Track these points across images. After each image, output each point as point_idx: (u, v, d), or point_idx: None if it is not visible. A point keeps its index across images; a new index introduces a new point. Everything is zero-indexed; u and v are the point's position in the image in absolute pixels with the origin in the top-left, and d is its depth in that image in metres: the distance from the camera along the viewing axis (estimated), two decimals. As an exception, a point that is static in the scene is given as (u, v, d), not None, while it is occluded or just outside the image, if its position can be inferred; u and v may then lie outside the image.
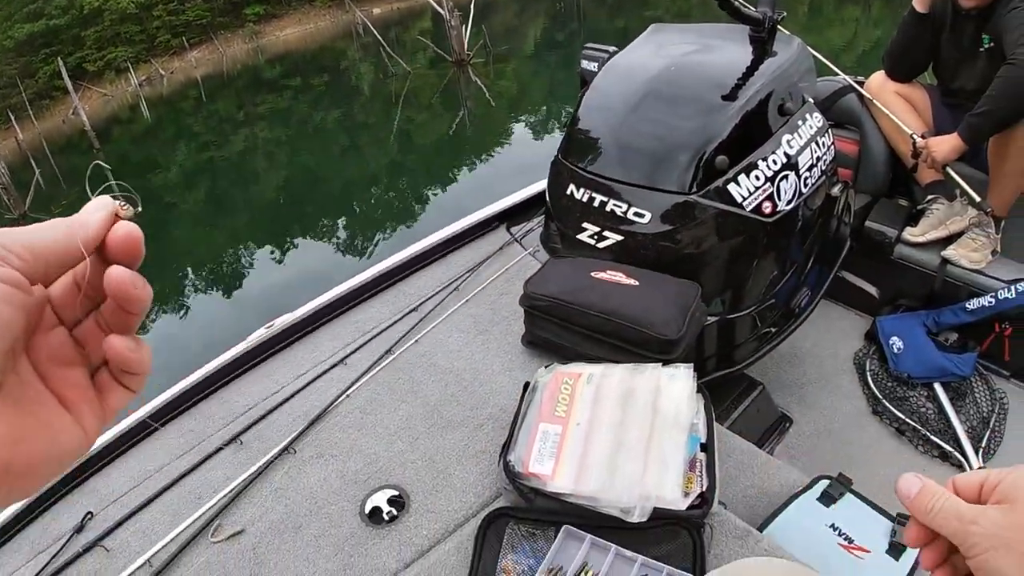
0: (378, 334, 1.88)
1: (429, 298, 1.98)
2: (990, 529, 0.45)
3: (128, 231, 0.35)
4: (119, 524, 1.42)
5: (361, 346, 1.84)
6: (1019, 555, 0.43)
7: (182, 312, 7.45)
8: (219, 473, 1.52)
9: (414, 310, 1.94)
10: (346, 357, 1.81)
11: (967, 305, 2.02)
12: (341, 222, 8.82)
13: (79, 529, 1.43)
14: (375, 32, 15.54)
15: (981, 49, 1.94)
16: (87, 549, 1.37)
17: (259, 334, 1.94)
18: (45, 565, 1.35)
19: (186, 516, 1.41)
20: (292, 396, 1.71)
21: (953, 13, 1.98)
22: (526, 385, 1.46)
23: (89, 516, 1.46)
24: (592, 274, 1.57)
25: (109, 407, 0.36)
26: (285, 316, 1.99)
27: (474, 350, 1.78)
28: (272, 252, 8.39)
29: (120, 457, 1.64)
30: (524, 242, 2.21)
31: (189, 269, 8.33)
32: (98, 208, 0.35)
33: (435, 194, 8.96)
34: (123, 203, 0.36)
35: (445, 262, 2.18)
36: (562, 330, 1.58)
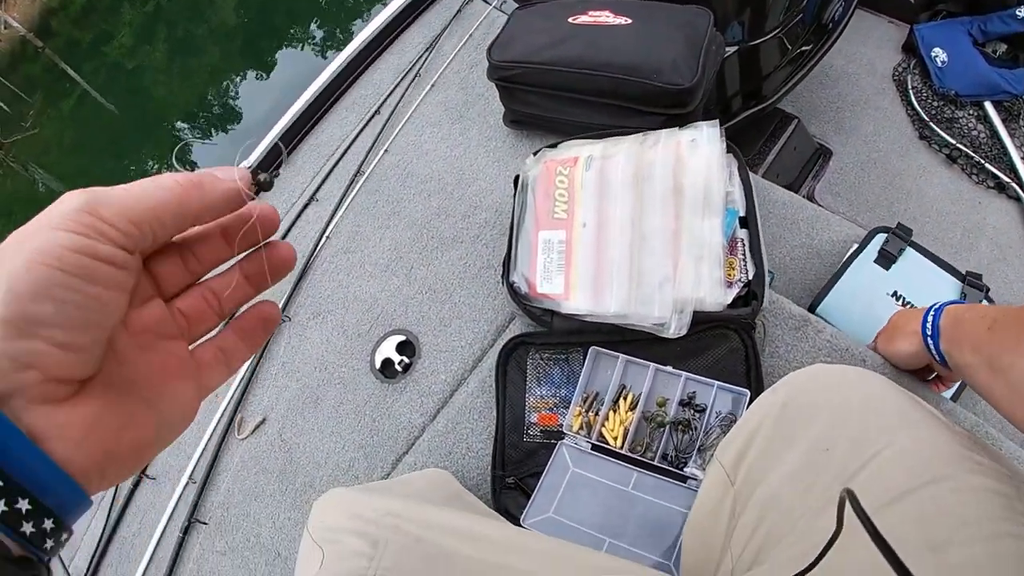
0: (342, 155, 1.57)
1: (389, 95, 1.62)
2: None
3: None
4: None
5: (328, 175, 1.55)
6: (881, 337, 0.90)
7: (191, 169, 7.21)
8: None
9: (377, 113, 1.61)
10: (315, 192, 1.54)
11: (1017, 12, 1.59)
12: (314, 22, 8.00)
13: None
14: None
15: None
16: (136, 484, 1.31)
17: None
18: (110, 506, 1.29)
19: (210, 421, 1.30)
20: None
21: None
22: (516, 180, 1.17)
23: None
24: (570, 20, 1.19)
25: (206, 385, 0.34)
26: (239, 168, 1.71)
27: (452, 145, 1.47)
28: (258, 75, 7.81)
29: None
30: None
31: (182, 124, 7.89)
32: (226, 177, 0.30)
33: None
34: (258, 176, 0.31)
35: (398, 46, 1.76)
36: (547, 99, 1.23)
